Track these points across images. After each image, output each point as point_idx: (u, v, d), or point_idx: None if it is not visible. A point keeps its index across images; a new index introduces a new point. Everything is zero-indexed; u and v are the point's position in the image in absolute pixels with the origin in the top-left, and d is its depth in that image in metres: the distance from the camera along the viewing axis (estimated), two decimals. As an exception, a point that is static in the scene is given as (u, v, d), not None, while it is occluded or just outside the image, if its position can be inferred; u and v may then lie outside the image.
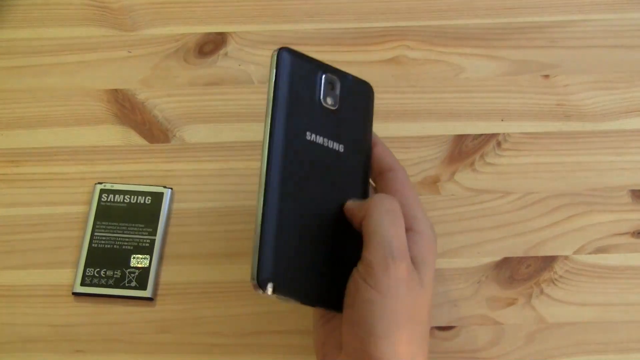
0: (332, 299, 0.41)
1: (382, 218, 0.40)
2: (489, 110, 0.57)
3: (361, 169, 0.45)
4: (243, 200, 0.53)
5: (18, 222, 0.53)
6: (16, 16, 0.62)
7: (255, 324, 0.50)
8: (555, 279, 0.51)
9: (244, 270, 0.51)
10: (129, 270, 0.51)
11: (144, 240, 0.52)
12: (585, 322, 0.50)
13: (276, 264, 0.40)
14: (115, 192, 0.53)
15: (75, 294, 0.51)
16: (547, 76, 0.59)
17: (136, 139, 0.56)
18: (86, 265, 0.51)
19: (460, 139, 0.56)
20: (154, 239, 0.52)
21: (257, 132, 0.41)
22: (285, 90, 0.42)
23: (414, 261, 0.41)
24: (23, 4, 0.62)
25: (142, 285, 0.50)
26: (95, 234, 0.52)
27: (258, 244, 0.40)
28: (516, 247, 0.52)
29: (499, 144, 0.56)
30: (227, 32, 0.61)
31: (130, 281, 0.50)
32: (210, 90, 0.58)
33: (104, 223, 0.52)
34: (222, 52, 0.60)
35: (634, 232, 0.53)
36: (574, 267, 0.52)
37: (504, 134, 0.56)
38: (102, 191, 0.53)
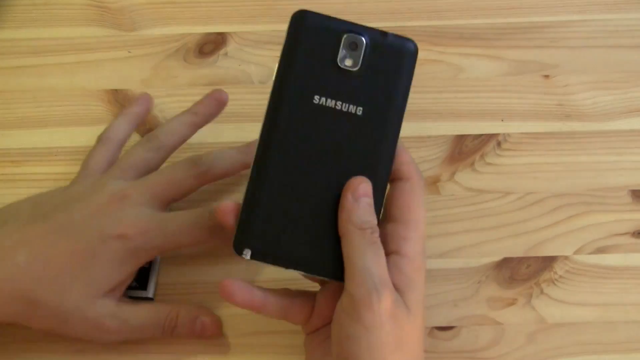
0: (329, 267, 0.41)
1: (365, 250, 0.39)
2: (489, 110, 0.57)
3: (384, 136, 0.41)
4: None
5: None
6: (16, 16, 0.62)
7: (255, 324, 0.50)
8: (556, 279, 0.51)
9: (245, 270, 0.51)
10: None
11: None
12: (585, 322, 0.50)
13: (255, 229, 0.40)
14: None
15: None
16: (547, 76, 0.59)
17: (136, 139, 0.56)
18: None
19: (460, 139, 0.56)
20: None
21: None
22: (296, 51, 0.41)
23: (398, 288, 0.40)
24: (23, 4, 0.62)
25: (143, 285, 0.50)
26: None
27: (241, 209, 0.40)
28: (516, 247, 0.52)
29: (499, 144, 0.56)
30: (227, 32, 0.61)
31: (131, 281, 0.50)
32: (210, 90, 0.58)
33: None
34: (222, 52, 0.60)
35: (634, 232, 0.53)
36: (574, 267, 0.52)
37: (504, 134, 0.56)
38: None
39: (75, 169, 0.51)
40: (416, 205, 0.42)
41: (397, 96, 0.41)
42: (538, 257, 0.52)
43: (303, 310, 0.44)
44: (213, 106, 0.53)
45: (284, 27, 0.61)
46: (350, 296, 0.39)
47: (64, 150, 0.56)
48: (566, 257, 0.52)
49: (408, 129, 0.56)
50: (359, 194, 0.40)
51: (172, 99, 0.58)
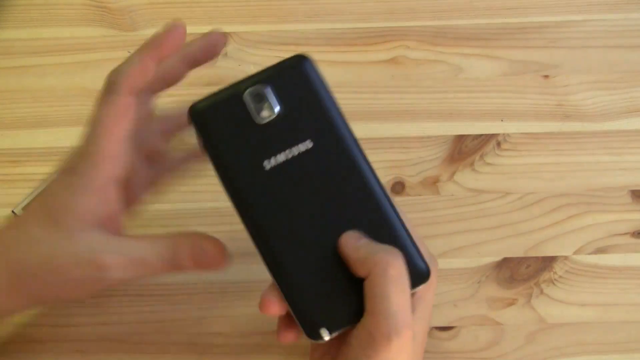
0: (352, 314, 0.39)
1: (388, 287, 0.37)
2: (489, 110, 0.57)
3: (347, 147, 0.40)
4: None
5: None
6: (16, 16, 0.62)
7: (255, 324, 0.50)
8: (555, 279, 0.51)
9: (245, 270, 0.51)
10: None
11: None
12: (585, 322, 0.50)
13: (312, 310, 0.39)
14: None
15: (14, 214, 0.51)
16: (547, 76, 0.59)
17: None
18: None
19: (460, 139, 0.56)
20: None
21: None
22: (215, 141, 0.39)
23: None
24: (23, 4, 0.62)
25: None
26: None
27: (287, 304, 0.39)
28: (516, 247, 0.52)
29: (498, 144, 0.56)
30: (227, 32, 0.61)
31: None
32: (210, 91, 0.58)
33: None
34: (222, 52, 0.60)
35: (634, 232, 0.53)
36: (573, 268, 0.52)
37: (503, 134, 0.56)
38: None
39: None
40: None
41: (326, 106, 0.40)
42: (538, 257, 0.52)
43: None
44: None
45: (284, 27, 0.61)
46: (369, 333, 0.38)
47: (64, 150, 0.55)
48: (566, 257, 0.52)
49: (408, 129, 0.56)
50: (351, 242, 0.39)
51: (172, 99, 0.58)
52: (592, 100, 0.58)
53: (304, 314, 0.39)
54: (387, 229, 0.40)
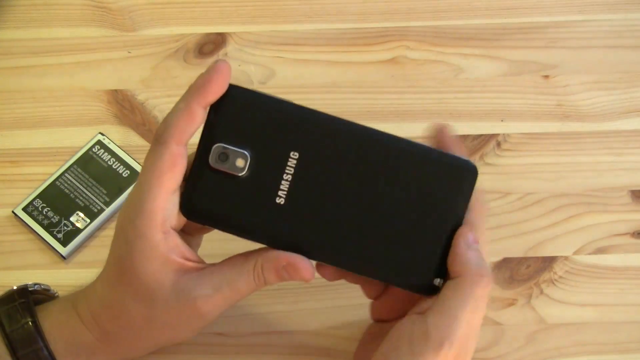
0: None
1: (467, 303, 0.38)
2: (489, 110, 0.57)
3: (338, 126, 0.40)
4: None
5: (19, 222, 0.53)
6: (16, 16, 0.62)
7: (255, 324, 0.50)
8: (555, 280, 0.51)
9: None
10: (65, 222, 0.52)
11: (96, 205, 0.52)
12: (585, 322, 0.50)
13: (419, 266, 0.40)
14: (108, 150, 0.55)
15: (15, 215, 0.52)
16: (547, 76, 0.59)
17: (136, 140, 0.56)
18: (39, 196, 0.53)
19: (460, 139, 0.56)
20: (104, 209, 0.52)
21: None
22: (222, 221, 0.40)
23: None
24: (23, 4, 0.62)
25: (65, 242, 0.51)
26: (65, 175, 0.53)
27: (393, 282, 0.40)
28: (516, 248, 0.52)
29: (498, 144, 0.56)
30: (227, 32, 0.61)
31: (59, 232, 0.51)
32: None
33: (78, 170, 0.53)
34: (222, 52, 0.60)
35: (633, 233, 0.53)
36: (573, 268, 0.52)
37: (503, 134, 0.56)
38: (97, 143, 0.55)
39: (75, 169, 0.51)
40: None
41: (280, 115, 0.40)
42: (538, 258, 0.52)
43: (375, 285, 0.43)
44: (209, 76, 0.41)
45: (284, 27, 0.61)
46: (425, 330, 0.38)
47: (63, 151, 0.56)
48: (566, 258, 0.52)
49: (408, 129, 0.56)
50: (465, 241, 0.39)
51: (172, 100, 0.58)
52: (592, 100, 0.58)
53: (408, 277, 0.39)
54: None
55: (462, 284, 0.38)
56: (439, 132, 0.43)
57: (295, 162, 0.39)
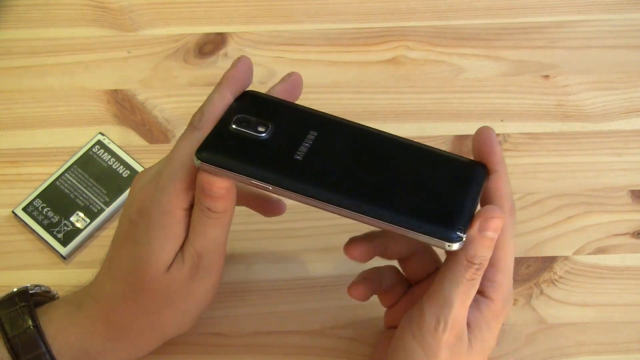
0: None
1: (460, 284, 0.38)
2: (489, 110, 0.57)
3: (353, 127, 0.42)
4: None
5: (18, 222, 0.53)
6: (16, 16, 0.62)
7: (255, 324, 0.50)
8: (555, 280, 0.51)
9: (244, 270, 0.51)
10: (65, 222, 0.52)
11: (96, 205, 0.53)
12: (585, 322, 0.50)
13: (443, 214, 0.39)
14: (108, 150, 0.55)
15: (15, 215, 0.52)
16: (547, 76, 0.59)
17: (136, 140, 0.56)
18: (39, 196, 0.53)
19: (460, 139, 0.56)
20: (104, 209, 0.52)
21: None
22: (237, 162, 0.40)
23: (470, 324, 0.40)
24: (23, 4, 0.62)
25: (65, 242, 0.51)
26: (65, 175, 0.53)
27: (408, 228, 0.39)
28: (516, 247, 0.52)
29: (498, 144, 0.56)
30: (227, 32, 0.61)
31: (59, 232, 0.51)
32: (210, 91, 0.58)
33: (78, 170, 0.54)
34: (222, 52, 0.60)
35: (633, 233, 0.53)
36: (573, 268, 0.52)
37: (503, 134, 0.56)
38: (97, 143, 0.55)
39: (75, 169, 0.51)
40: (507, 245, 0.40)
41: (297, 106, 0.42)
42: (538, 258, 0.52)
43: (392, 292, 0.45)
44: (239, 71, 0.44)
45: (284, 27, 0.61)
46: (421, 314, 0.39)
47: (63, 151, 0.56)
48: (566, 258, 0.52)
49: (408, 129, 0.56)
50: (487, 227, 0.38)
51: (172, 99, 0.58)
52: (592, 100, 0.58)
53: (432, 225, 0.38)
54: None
55: (453, 267, 0.38)
56: (484, 135, 0.43)
57: (314, 137, 0.40)
